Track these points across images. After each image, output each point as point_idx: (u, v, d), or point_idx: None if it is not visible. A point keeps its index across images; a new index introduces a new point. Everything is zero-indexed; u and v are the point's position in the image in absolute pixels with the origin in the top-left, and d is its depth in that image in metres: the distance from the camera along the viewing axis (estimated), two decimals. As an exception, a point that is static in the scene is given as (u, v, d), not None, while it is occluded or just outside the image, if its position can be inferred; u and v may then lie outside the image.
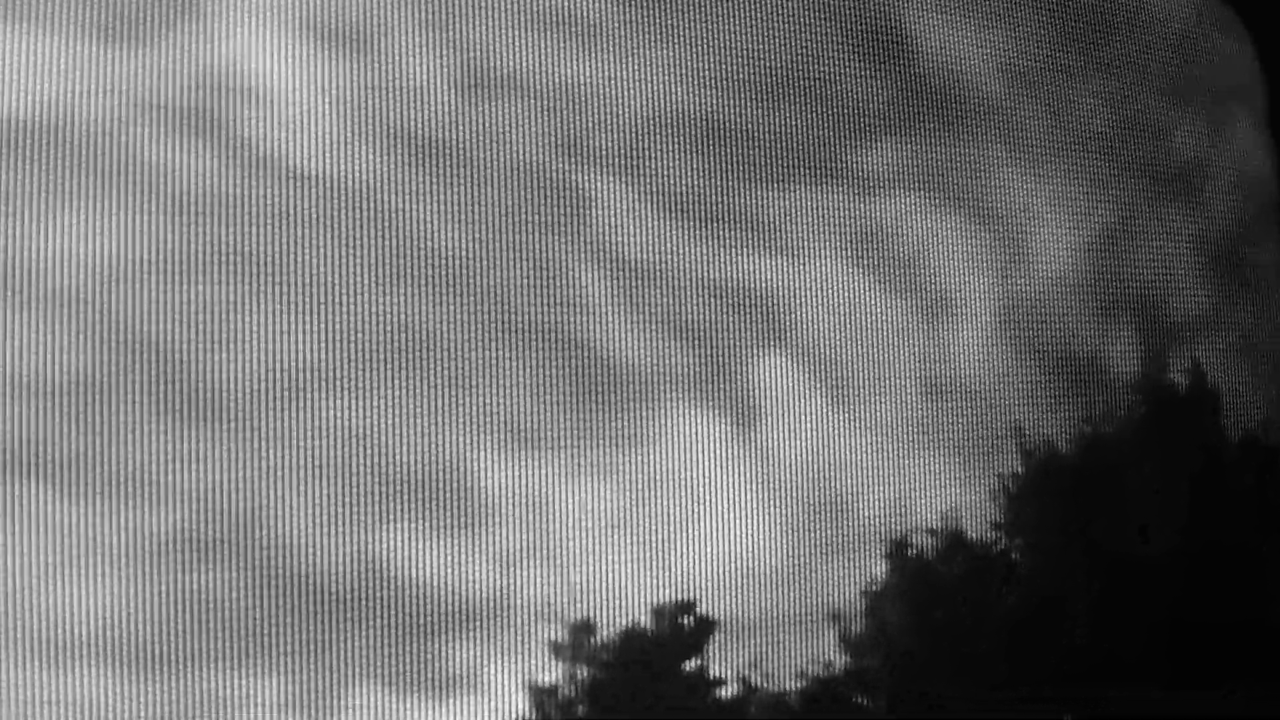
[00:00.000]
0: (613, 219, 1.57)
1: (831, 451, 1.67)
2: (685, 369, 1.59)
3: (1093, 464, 1.87)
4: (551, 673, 1.51)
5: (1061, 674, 1.76)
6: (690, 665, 1.60)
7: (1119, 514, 1.87)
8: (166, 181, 1.37)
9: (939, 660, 1.74)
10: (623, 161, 1.57)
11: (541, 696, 1.50)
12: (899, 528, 1.71)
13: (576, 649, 1.52)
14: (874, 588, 1.70)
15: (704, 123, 1.63)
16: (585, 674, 1.52)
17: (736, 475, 1.61)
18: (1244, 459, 2.01)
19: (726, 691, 1.61)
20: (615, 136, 1.57)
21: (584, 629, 1.52)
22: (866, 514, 1.69)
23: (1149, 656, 1.80)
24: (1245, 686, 1.78)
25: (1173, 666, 1.80)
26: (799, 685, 1.64)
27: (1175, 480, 1.92)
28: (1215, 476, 1.98)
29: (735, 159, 1.64)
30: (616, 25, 1.58)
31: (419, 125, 1.48)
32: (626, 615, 1.54)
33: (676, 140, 1.60)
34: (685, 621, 1.58)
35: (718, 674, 1.61)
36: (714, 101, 1.63)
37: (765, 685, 1.62)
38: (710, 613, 1.59)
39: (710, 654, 1.60)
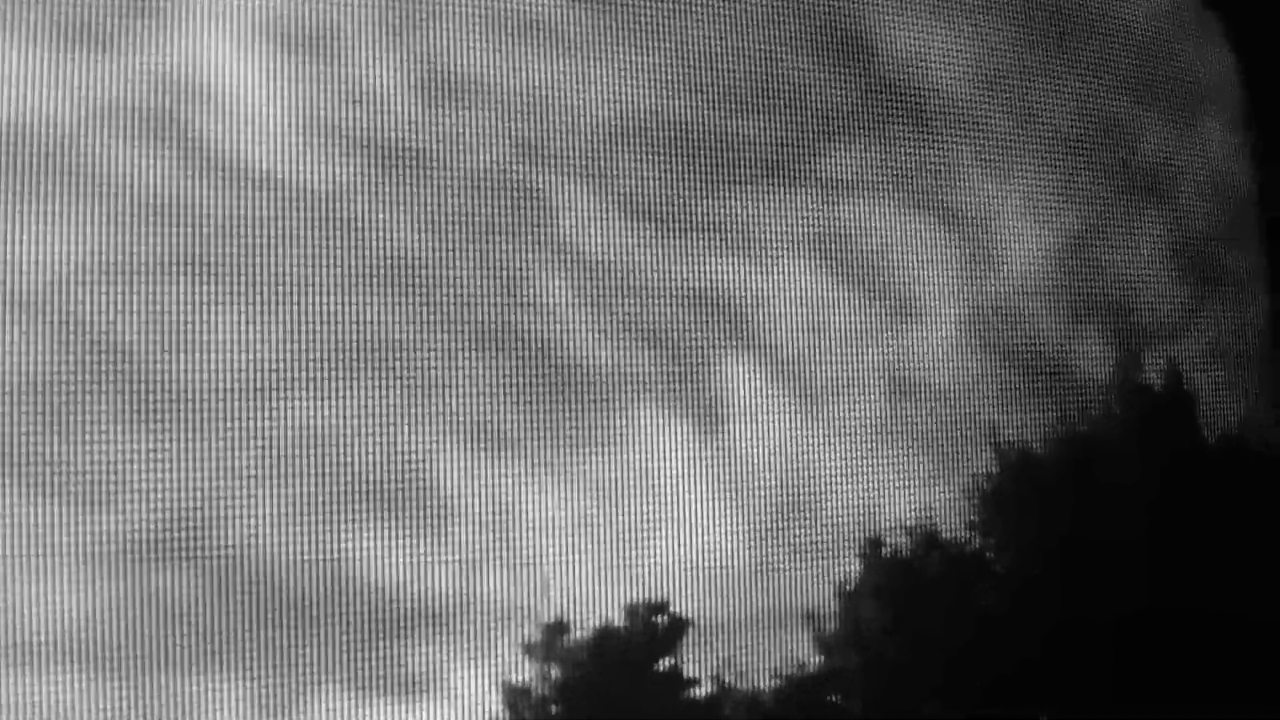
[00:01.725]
0: (576, 223, 1.57)
1: (799, 453, 1.67)
2: (651, 372, 1.60)
3: (1068, 463, 1.87)
4: (517, 673, 1.51)
5: (1037, 670, 1.77)
6: (664, 665, 1.60)
7: (1095, 512, 1.87)
8: (128, 186, 1.37)
9: (914, 658, 1.74)
10: (586, 166, 1.58)
11: (515, 697, 1.51)
12: (872, 528, 1.71)
13: (549, 649, 1.52)
14: (848, 587, 1.70)
15: (668, 127, 1.63)
16: (557, 674, 1.53)
17: (703, 476, 1.61)
18: (1222, 457, 2.01)
19: (700, 691, 1.62)
20: (578, 141, 1.57)
21: (557, 629, 1.53)
22: (838, 514, 1.69)
23: (1126, 652, 1.80)
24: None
25: (1150, 660, 1.80)
26: (773, 684, 1.65)
27: (1153, 479, 1.93)
28: (1193, 475, 1.98)
29: (700, 162, 1.64)
30: (578, 30, 1.58)
31: (380, 130, 1.49)
32: (592, 616, 1.55)
33: (640, 144, 1.61)
34: (659, 621, 1.58)
35: (691, 673, 1.61)
36: (678, 105, 1.64)
37: (739, 684, 1.63)
38: (683, 613, 1.59)
39: (684, 653, 1.60)
